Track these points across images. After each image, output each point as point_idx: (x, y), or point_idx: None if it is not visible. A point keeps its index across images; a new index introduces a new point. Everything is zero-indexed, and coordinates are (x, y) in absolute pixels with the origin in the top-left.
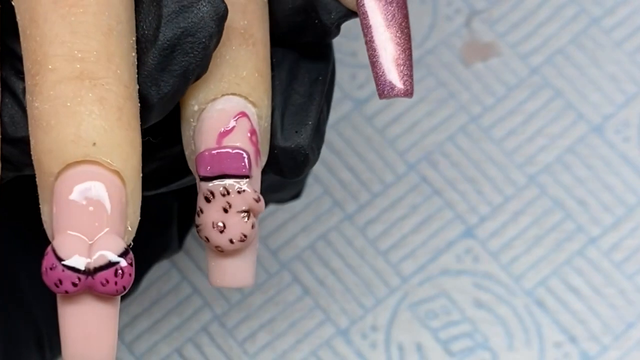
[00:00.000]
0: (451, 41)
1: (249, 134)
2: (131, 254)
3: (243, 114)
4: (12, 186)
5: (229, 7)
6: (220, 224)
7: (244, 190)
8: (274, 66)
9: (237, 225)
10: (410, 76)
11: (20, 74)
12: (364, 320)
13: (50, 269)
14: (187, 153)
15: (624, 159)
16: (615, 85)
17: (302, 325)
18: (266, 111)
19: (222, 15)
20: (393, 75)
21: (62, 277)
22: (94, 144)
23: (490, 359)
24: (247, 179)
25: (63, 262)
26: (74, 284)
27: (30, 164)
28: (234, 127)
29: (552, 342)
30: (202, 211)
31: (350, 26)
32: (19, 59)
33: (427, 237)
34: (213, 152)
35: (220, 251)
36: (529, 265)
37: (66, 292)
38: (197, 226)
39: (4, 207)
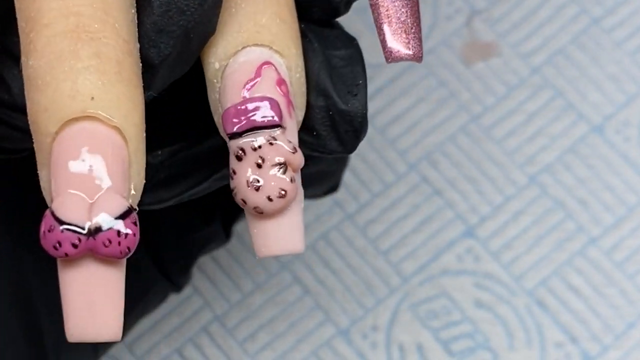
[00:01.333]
0: (452, 41)
1: (276, 84)
2: (135, 214)
3: (268, 63)
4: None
5: None
6: (255, 181)
7: (276, 141)
8: (301, 32)
9: (274, 180)
10: (419, 39)
11: None
12: (365, 320)
13: (49, 231)
14: (215, 119)
15: (624, 159)
16: (616, 85)
17: (302, 325)
18: (295, 61)
19: None
20: (400, 37)
21: (61, 238)
22: (92, 98)
23: (490, 359)
24: (280, 129)
25: (60, 221)
26: (74, 245)
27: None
28: (259, 77)
29: (553, 342)
30: (234, 172)
31: (349, 24)
32: None
33: (428, 237)
34: (238, 106)
35: (260, 212)
36: (529, 265)
37: (66, 254)
38: (232, 190)
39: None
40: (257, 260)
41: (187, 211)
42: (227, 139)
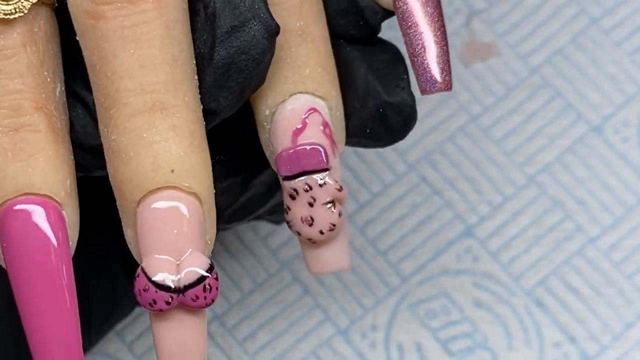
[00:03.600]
0: (451, 41)
1: (321, 128)
2: (215, 269)
3: (313, 110)
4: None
5: (283, 12)
6: (309, 218)
7: (325, 183)
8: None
9: (325, 216)
10: (449, 71)
11: (89, 86)
12: (364, 319)
13: (144, 290)
14: (267, 154)
15: (623, 159)
16: (615, 85)
17: (301, 325)
18: (335, 101)
19: (272, 32)
20: (435, 71)
21: (155, 297)
22: (172, 170)
23: (489, 359)
24: (327, 172)
25: (155, 283)
26: (167, 303)
27: (101, 167)
28: (306, 124)
29: (552, 342)
30: (289, 208)
31: None
32: (85, 69)
33: (427, 237)
34: (290, 151)
35: (313, 242)
36: (528, 265)
37: (160, 310)
38: (287, 222)
39: None
40: (257, 259)
41: None
42: (280, 178)
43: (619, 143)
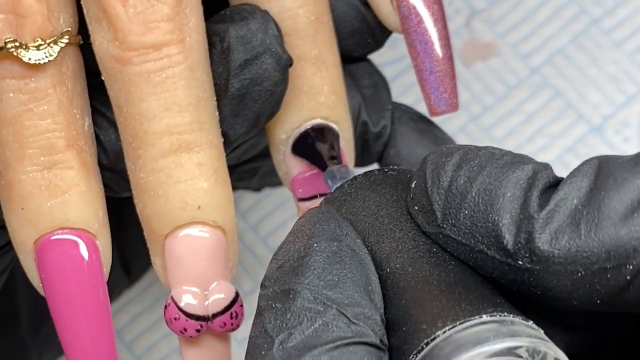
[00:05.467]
0: (451, 41)
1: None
2: (240, 297)
3: None
4: None
5: (299, 42)
6: None
7: None
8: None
9: None
10: (456, 93)
11: None
12: None
13: (175, 319)
14: (280, 174)
15: None
16: (615, 85)
17: None
18: (347, 124)
19: (284, 65)
20: (443, 95)
21: (186, 325)
22: (199, 207)
23: None
24: None
25: (185, 312)
26: (197, 330)
27: (127, 189)
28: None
29: None
30: None
31: None
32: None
33: None
34: (306, 175)
35: None
36: None
37: (191, 337)
38: None
39: None
40: (257, 259)
41: None
42: (295, 198)
43: (620, 143)
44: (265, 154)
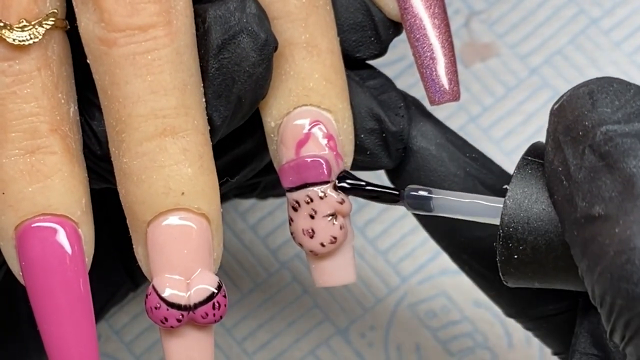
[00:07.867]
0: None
1: (325, 140)
2: (224, 286)
3: (317, 122)
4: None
5: (288, 25)
6: (310, 230)
7: (326, 196)
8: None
9: (325, 229)
10: (457, 82)
11: None
12: (363, 319)
13: (155, 308)
14: (275, 165)
15: None
16: None
17: (301, 325)
18: (343, 114)
19: (262, 45)
20: (444, 82)
21: (167, 315)
22: (183, 193)
23: (489, 359)
24: (329, 184)
25: (166, 301)
26: (179, 320)
27: None
28: (309, 136)
29: None
30: (292, 220)
31: None
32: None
33: (427, 237)
34: (292, 163)
35: (315, 254)
36: None
37: (172, 327)
38: (291, 233)
39: None
40: (257, 259)
41: None
42: (285, 189)
43: None
44: (266, 169)
